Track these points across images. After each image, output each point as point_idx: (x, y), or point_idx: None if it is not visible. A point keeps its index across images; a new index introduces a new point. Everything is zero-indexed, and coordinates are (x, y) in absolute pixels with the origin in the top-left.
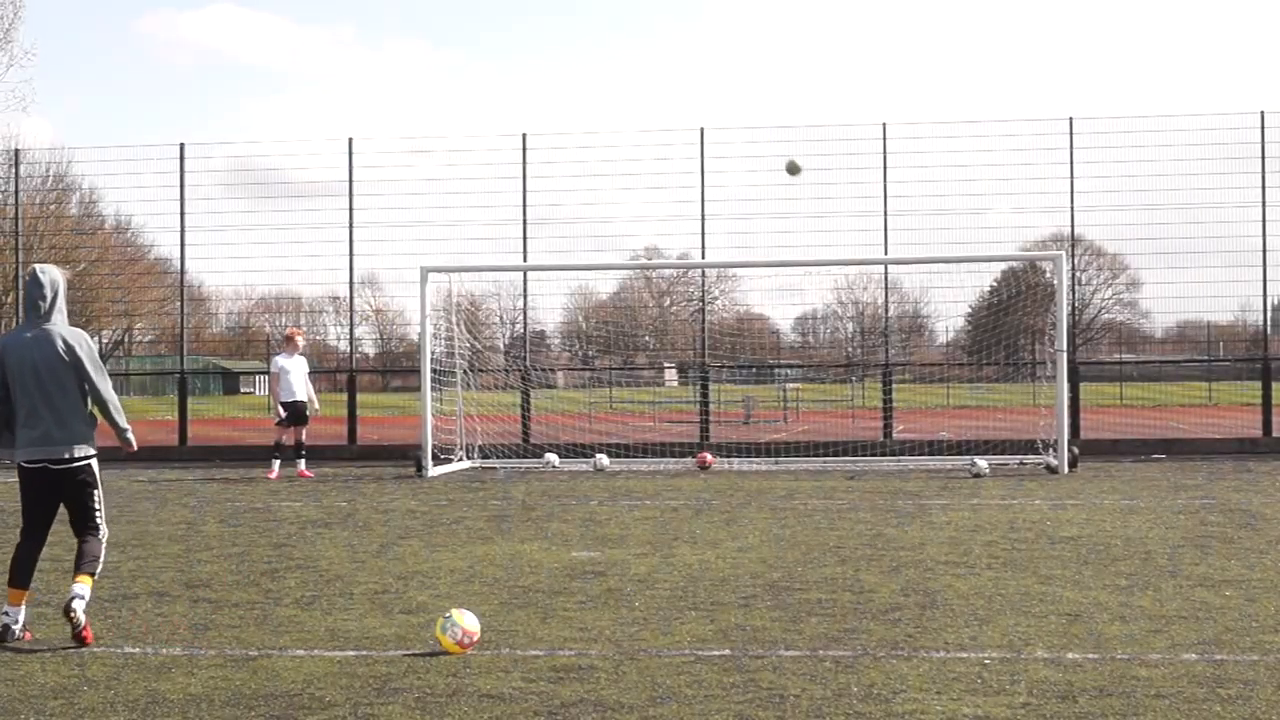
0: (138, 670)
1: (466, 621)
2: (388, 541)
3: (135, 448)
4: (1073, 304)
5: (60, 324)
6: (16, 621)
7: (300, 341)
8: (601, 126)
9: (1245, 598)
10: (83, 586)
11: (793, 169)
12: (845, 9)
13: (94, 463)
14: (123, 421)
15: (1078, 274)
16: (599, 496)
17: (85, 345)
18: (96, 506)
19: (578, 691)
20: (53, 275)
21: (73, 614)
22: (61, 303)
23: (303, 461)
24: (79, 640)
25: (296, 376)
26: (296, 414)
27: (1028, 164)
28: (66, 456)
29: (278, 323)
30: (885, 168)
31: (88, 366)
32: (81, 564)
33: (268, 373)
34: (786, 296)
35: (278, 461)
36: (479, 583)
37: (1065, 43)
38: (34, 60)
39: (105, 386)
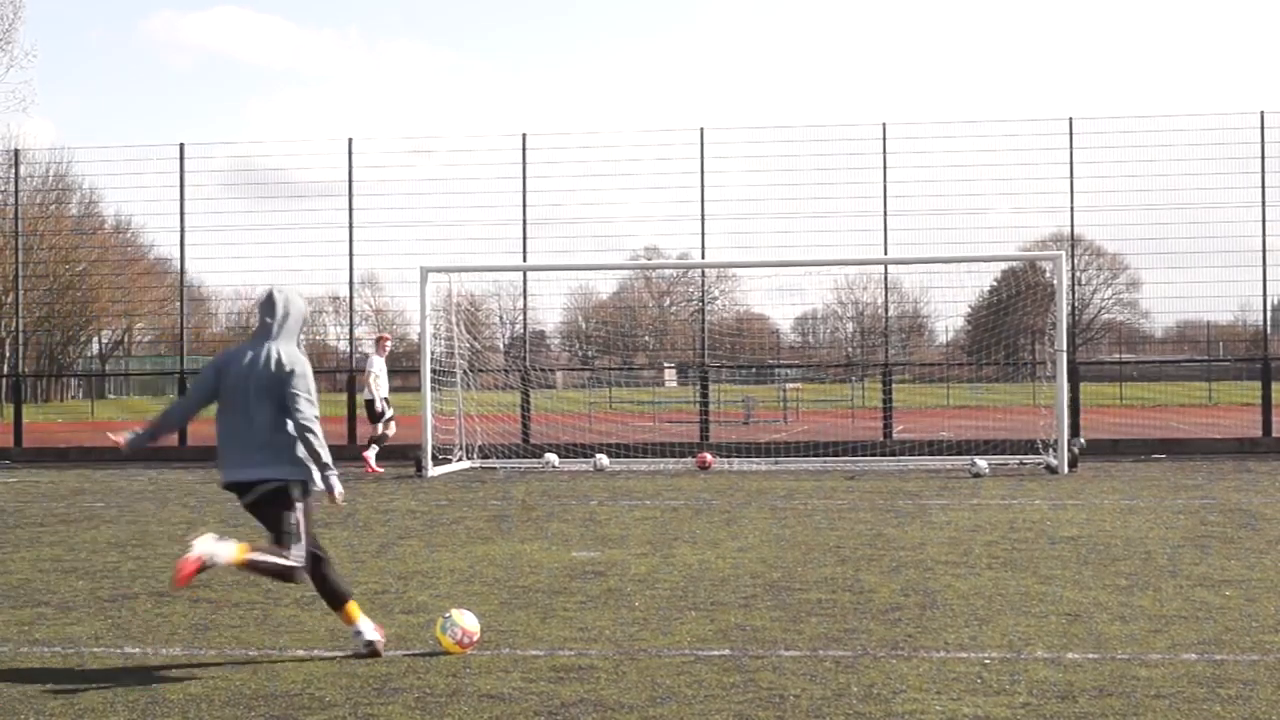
0: (138, 670)
1: (466, 621)
2: (388, 541)
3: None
4: (1073, 304)
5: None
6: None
7: (387, 345)
8: (601, 126)
9: (1245, 598)
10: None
11: (1080, 449)
12: (845, 9)
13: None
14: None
15: (1078, 274)
16: (599, 496)
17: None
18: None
19: (578, 691)
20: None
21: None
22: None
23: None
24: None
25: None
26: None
27: (1028, 164)
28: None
29: None
30: (885, 168)
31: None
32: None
33: (365, 371)
34: (786, 296)
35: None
36: (479, 583)
37: (1065, 43)
38: (34, 61)
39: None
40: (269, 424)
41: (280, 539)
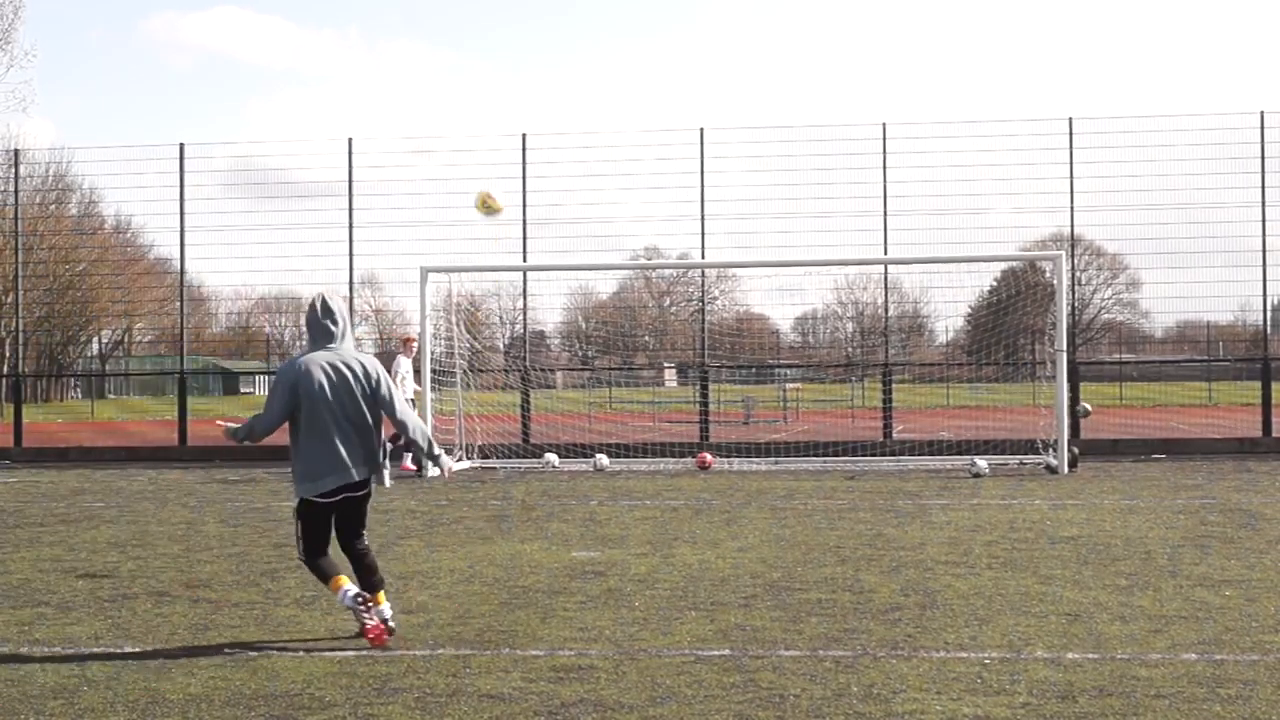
0: (138, 670)
1: (497, 200)
2: (388, 541)
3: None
4: (1073, 304)
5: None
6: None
7: (414, 346)
8: (601, 126)
9: (1245, 598)
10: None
11: (1083, 415)
12: (845, 9)
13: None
14: None
15: (1078, 274)
16: (599, 496)
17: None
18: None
19: (578, 691)
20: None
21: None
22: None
23: (409, 456)
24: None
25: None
26: None
27: (1028, 164)
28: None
29: (277, 323)
30: (885, 168)
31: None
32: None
33: (392, 372)
34: (786, 296)
35: (409, 455)
36: (479, 583)
37: (1065, 43)
38: (34, 61)
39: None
40: (373, 427)
41: (362, 529)
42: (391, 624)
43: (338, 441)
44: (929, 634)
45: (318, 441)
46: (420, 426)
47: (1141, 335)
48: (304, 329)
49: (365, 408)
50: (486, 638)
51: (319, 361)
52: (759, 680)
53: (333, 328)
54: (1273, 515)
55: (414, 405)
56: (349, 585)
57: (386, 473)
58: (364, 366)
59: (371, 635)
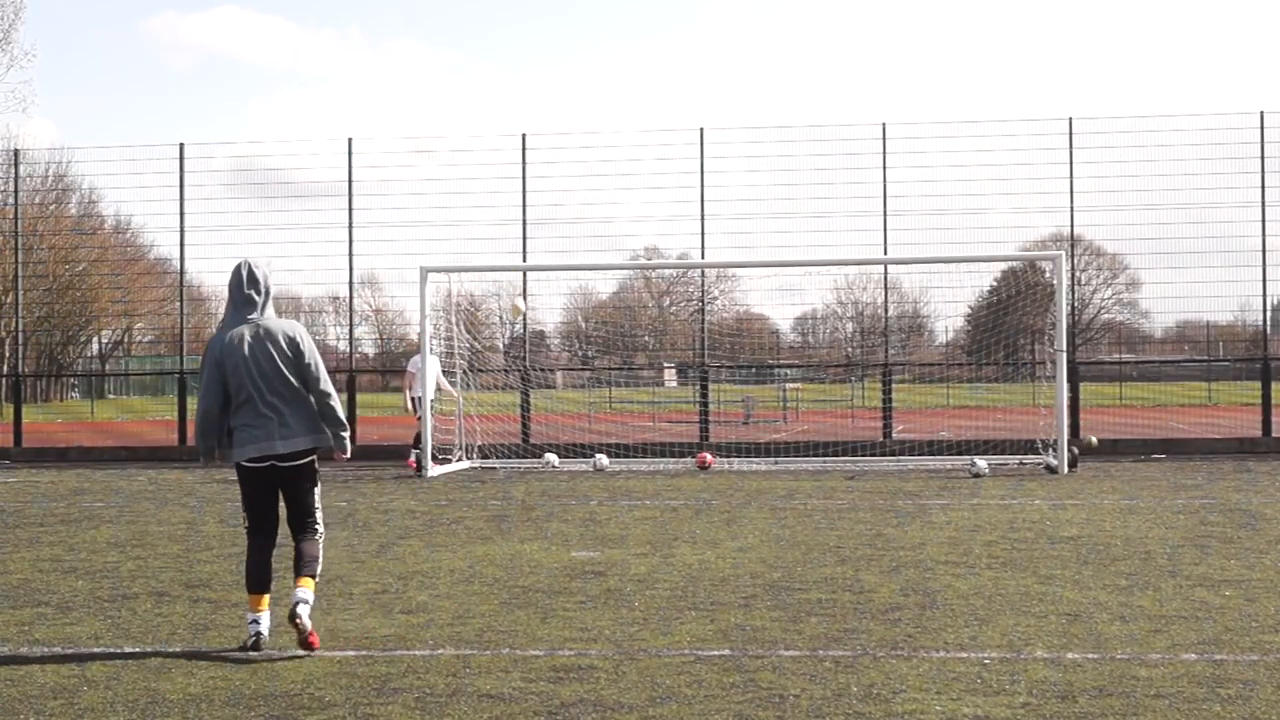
0: (138, 670)
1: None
2: (388, 541)
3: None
4: (1072, 304)
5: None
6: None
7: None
8: (601, 126)
9: (1245, 598)
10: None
11: (1088, 446)
12: (845, 9)
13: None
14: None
15: (1077, 274)
16: (599, 496)
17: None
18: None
19: (578, 691)
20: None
21: (299, 620)
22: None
23: (415, 453)
24: (306, 646)
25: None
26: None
27: (1027, 164)
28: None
29: None
30: (885, 168)
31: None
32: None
33: (408, 371)
34: (786, 296)
35: (416, 452)
36: (479, 583)
37: (1065, 43)
38: (34, 61)
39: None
40: (303, 397)
41: (311, 509)
42: (302, 619)
43: (261, 412)
44: (929, 634)
45: (244, 412)
46: (338, 403)
47: (1141, 335)
48: (227, 294)
49: (292, 377)
50: (486, 638)
51: (242, 334)
52: (759, 680)
53: (256, 297)
54: (1273, 515)
55: (418, 407)
56: (263, 615)
57: (345, 444)
58: (286, 334)
59: (303, 641)
